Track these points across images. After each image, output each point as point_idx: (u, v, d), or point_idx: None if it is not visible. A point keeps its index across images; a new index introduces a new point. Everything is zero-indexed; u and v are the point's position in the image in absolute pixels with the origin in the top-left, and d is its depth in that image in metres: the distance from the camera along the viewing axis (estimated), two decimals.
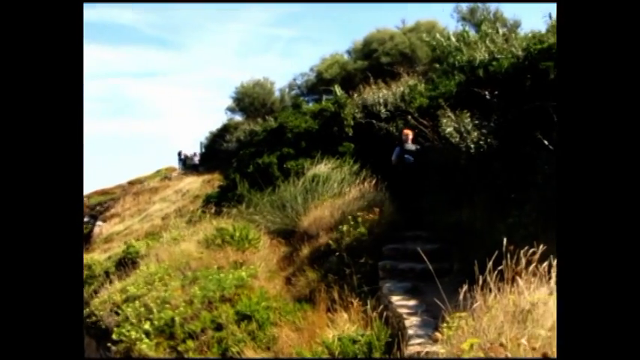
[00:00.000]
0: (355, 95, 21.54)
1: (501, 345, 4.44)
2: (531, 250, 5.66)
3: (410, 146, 14.31)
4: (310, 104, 27.77)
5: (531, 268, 5.48)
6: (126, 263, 16.38)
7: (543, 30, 13.85)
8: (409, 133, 14.49)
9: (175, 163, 49.92)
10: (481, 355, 4.51)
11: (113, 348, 11.04)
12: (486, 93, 11.90)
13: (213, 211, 19.45)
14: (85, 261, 19.41)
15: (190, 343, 10.30)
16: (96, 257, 22.41)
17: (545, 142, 9.38)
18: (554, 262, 5.35)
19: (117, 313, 12.11)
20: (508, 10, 46.31)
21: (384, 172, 15.52)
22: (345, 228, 12.52)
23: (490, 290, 5.49)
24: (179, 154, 49.61)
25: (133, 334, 10.75)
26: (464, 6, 27.69)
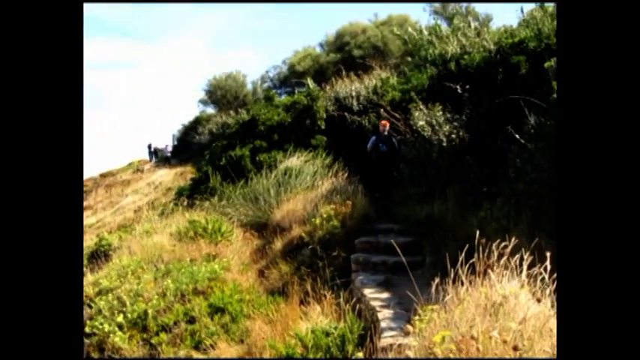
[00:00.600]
0: (328, 88, 21.61)
1: (473, 337, 4.48)
2: (503, 244, 5.71)
3: (386, 136, 14.78)
4: (283, 97, 27.76)
5: (503, 261, 5.52)
6: (98, 256, 16.27)
7: (515, 24, 13.97)
8: (386, 124, 14.87)
9: (146, 156, 49.79)
10: (452, 347, 4.55)
11: (86, 341, 10.97)
12: (458, 87, 11.98)
13: (185, 203, 19.39)
14: None
15: (163, 336, 10.28)
16: None
17: (517, 136, 9.46)
18: (526, 255, 5.41)
19: (90, 306, 12.01)
20: (480, 5, 46.50)
21: (357, 165, 15.65)
22: (317, 221, 12.55)
23: (462, 283, 5.52)
24: (149, 146, 49.47)
25: (106, 327, 10.69)
26: None
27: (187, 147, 43.41)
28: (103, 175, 46.29)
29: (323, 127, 19.41)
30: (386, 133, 14.88)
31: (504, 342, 4.33)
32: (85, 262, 16.77)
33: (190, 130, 43.82)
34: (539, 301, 4.94)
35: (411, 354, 4.88)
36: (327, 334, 7.94)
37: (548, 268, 4.96)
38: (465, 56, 13.07)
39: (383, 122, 15.15)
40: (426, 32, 17.01)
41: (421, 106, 12.69)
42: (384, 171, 14.63)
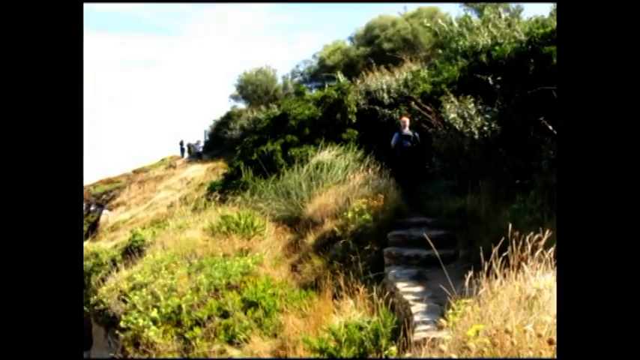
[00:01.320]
0: (358, 82, 21.55)
1: (507, 331, 4.46)
2: (537, 236, 5.67)
3: (407, 132, 15.50)
4: (313, 91, 27.74)
5: (537, 254, 5.49)
6: (132, 251, 16.42)
7: (546, 14, 13.84)
8: (406, 120, 15.65)
9: (178, 152, 50.10)
10: (486, 341, 4.53)
11: (121, 335, 11.10)
12: (489, 78, 11.90)
13: (217, 198, 19.42)
14: (92, 249, 19.46)
15: (197, 330, 10.34)
16: (102, 245, 22.46)
17: (550, 128, 9.37)
18: None
19: (124, 301, 12.15)
20: None
21: (388, 159, 15.69)
22: (349, 215, 12.54)
23: (495, 276, 5.50)
24: (181, 143, 49.80)
25: (141, 322, 10.80)
26: None
27: (219, 142, 43.56)
28: (135, 172, 46.66)
29: (354, 120, 19.38)
30: (407, 129, 15.55)
31: (539, 336, 4.31)
32: (119, 257, 16.96)
33: (222, 125, 43.92)
34: None
35: (444, 348, 4.86)
36: (361, 329, 7.94)
37: None
38: (496, 47, 12.99)
39: (403, 119, 15.88)
40: (456, 24, 16.97)
41: (452, 99, 12.62)
42: (410, 165, 15.17)
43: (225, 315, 10.55)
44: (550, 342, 4.21)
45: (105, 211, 38.07)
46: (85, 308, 14.92)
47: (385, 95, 19.21)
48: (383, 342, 7.62)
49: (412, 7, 34.16)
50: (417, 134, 15.38)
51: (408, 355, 6.49)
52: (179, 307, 10.96)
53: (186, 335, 10.39)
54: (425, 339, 6.39)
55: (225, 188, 21.02)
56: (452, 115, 12.34)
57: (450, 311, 5.90)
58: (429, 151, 13.68)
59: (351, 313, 8.85)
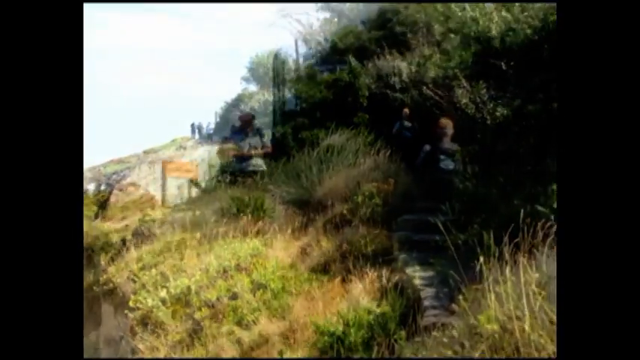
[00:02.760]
0: (370, 65, 21.47)
1: (518, 318, 4.46)
2: (549, 223, 5.65)
3: (408, 123, 16.49)
4: (324, 74, 27.66)
5: (549, 240, 5.47)
6: (142, 231, 16.47)
7: None
8: (407, 112, 16.74)
9: (189, 133, 50.20)
10: (497, 327, 4.52)
11: (130, 315, 11.15)
12: (502, 64, 11.83)
13: (227, 180, 19.45)
14: (101, 229, 19.59)
15: (206, 311, 10.37)
16: (112, 225, 22.59)
17: None
18: None
19: (133, 281, 12.20)
20: None
21: (398, 143, 15.82)
22: (359, 198, 12.52)
23: (506, 262, 5.49)
24: (192, 125, 49.87)
25: (150, 302, 10.84)
26: None
27: (230, 124, 43.59)
28: (146, 152, 46.74)
29: (365, 104, 19.35)
30: (407, 120, 16.63)
31: (551, 322, 4.30)
32: (130, 237, 17.03)
33: (233, 107, 43.95)
34: None
35: (455, 333, 4.86)
36: (369, 312, 7.94)
37: None
38: (510, 33, 12.89)
39: (404, 110, 16.94)
40: (469, 8, 16.83)
41: (464, 84, 12.56)
42: (410, 152, 15.34)
43: (233, 297, 10.57)
44: None
45: (115, 191, 38.20)
46: (94, 287, 15.02)
47: (397, 79, 19.16)
48: (392, 326, 7.63)
49: None
50: (413, 125, 16.57)
51: (417, 339, 6.49)
52: (188, 287, 10.99)
53: (195, 316, 10.43)
54: (434, 324, 6.41)
55: (236, 170, 21.04)
56: (464, 101, 12.30)
57: (460, 296, 5.89)
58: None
59: (359, 297, 8.85)
